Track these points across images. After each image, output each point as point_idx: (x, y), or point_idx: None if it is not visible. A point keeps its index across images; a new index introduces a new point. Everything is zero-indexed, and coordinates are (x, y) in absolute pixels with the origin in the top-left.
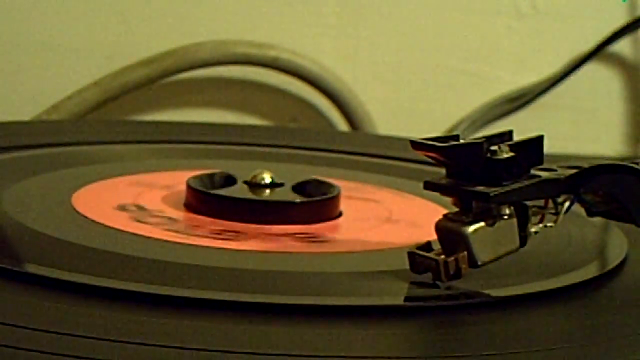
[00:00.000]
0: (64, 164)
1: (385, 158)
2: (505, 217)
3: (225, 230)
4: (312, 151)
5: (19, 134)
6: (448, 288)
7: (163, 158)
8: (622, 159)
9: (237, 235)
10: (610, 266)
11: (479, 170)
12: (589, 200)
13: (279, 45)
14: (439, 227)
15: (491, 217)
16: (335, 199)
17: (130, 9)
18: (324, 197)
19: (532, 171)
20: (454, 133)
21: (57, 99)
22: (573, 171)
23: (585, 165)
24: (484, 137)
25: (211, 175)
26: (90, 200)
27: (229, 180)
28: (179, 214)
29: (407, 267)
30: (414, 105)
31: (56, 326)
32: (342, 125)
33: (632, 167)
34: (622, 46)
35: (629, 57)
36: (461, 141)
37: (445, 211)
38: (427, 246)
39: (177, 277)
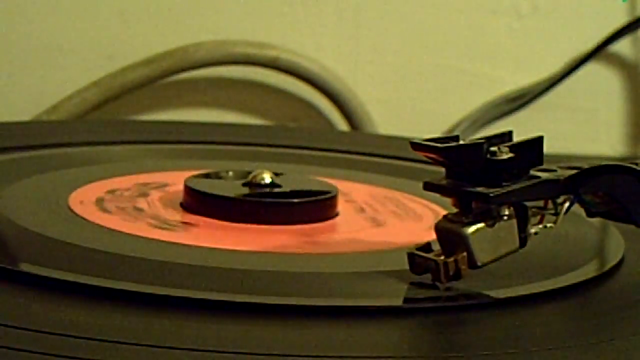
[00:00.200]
0: (63, 164)
1: (385, 158)
2: (505, 217)
3: (223, 231)
4: (312, 151)
5: (19, 134)
6: (448, 289)
7: (163, 158)
8: (622, 159)
9: (235, 235)
10: (608, 267)
11: (478, 171)
12: (589, 200)
13: (279, 45)
14: (438, 228)
15: (491, 217)
16: (333, 199)
17: (130, 9)
18: (322, 197)
19: (532, 172)
20: (454, 133)
21: (57, 99)
22: (573, 172)
23: (585, 165)
24: (483, 137)
25: (209, 175)
26: (87, 200)
27: (228, 180)
28: (177, 214)
29: (407, 267)
30: (414, 105)
31: (52, 326)
32: (342, 125)
33: (631, 168)
34: (622, 46)
35: (629, 57)
36: (461, 142)
37: (445, 212)
38: (426, 247)
39: (175, 278)
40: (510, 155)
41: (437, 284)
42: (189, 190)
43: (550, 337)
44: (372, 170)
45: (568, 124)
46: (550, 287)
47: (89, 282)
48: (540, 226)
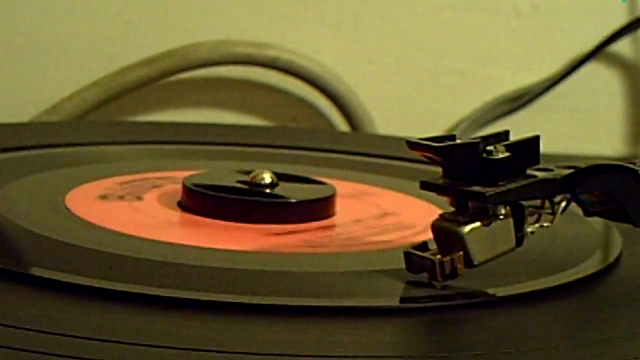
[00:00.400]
0: (61, 163)
1: (385, 158)
2: (501, 217)
3: (221, 230)
4: (312, 151)
5: (19, 134)
6: (444, 288)
7: (162, 158)
8: (622, 159)
9: (233, 235)
10: (605, 265)
11: (475, 170)
12: (586, 200)
13: (279, 45)
14: (435, 227)
15: (487, 217)
16: (331, 198)
17: (131, 9)
18: (321, 197)
19: (529, 171)
20: (453, 133)
21: (57, 99)
22: (569, 171)
23: (582, 165)
24: (480, 137)
25: (208, 175)
26: (86, 200)
27: (227, 180)
28: (175, 214)
29: (403, 266)
30: (414, 105)
31: (49, 326)
32: (342, 125)
33: (628, 167)
34: (622, 46)
35: (629, 57)
36: (457, 141)
37: (443, 211)
38: (423, 246)
39: (172, 278)
40: (507, 154)
41: (434, 283)
42: (187, 189)
43: (547, 336)
44: (372, 170)
45: (568, 124)
46: (547, 285)
47: (86, 283)
48: (537, 225)
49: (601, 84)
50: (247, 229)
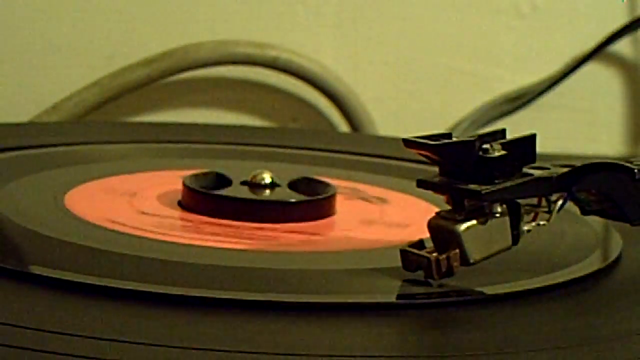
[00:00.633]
0: (61, 163)
1: (385, 158)
2: (498, 215)
3: (221, 229)
4: (312, 151)
5: (19, 134)
6: (440, 285)
7: (162, 158)
8: (621, 159)
9: (233, 234)
10: (605, 264)
11: (471, 168)
12: (583, 198)
13: (279, 45)
14: (431, 225)
15: (483, 215)
16: (331, 198)
17: (130, 9)
18: (320, 196)
19: (525, 169)
20: (450, 132)
21: (57, 99)
22: (566, 169)
23: (578, 163)
24: (476, 135)
25: (208, 175)
26: (84, 200)
27: (226, 180)
28: (175, 213)
29: (400, 265)
30: (414, 106)
31: (50, 325)
32: (343, 125)
33: (624, 166)
34: (622, 46)
35: (629, 57)
36: (453, 139)
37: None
38: (419, 244)
39: (173, 276)
40: (503, 152)
41: (430, 280)
42: (187, 189)
43: (544, 335)
44: (372, 170)
45: (568, 124)
46: (545, 284)
47: (86, 281)
48: (533, 224)
49: (601, 84)
50: (247, 227)
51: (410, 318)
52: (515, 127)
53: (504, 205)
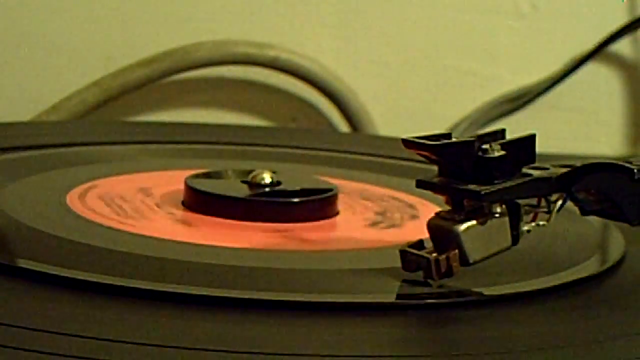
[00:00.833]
0: (62, 164)
1: (385, 158)
2: (497, 215)
3: (222, 229)
4: (312, 151)
5: (19, 134)
6: (440, 286)
7: (163, 158)
8: (621, 159)
9: (234, 233)
10: (608, 264)
11: (470, 168)
12: (582, 198)
13: (279, 45)
14: (430, 225)
15: (483, 215)
16: (332, 198)
17: (130, 9)
18: (322, 196)
19: (524, 170)
20: (449, 132)
21: (57, 99)
22: (565, 170)
23: (578, 164)
24: (476, 135)
25: (210, 174)
26: (87, 199)
27: (228, 180)
28: (177, 213)
29: (400, 265)
30: (414, 105)
31: (52, 323)
32: (342, 125)
33: (623, 166)
34: (622, 46)
35: (629, 57)
36: (453, 139)
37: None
38: (419, 244)
39: (174, 275)
40: (502, 153)
41: (429, 281)
42: (189, 189)
43: (545, 336)
44: (372, 170)
45: (568, 124)
46: (546, 285)
47: (89, 279)
48: (533, 224)
49: (601, 84)
50: (249, 227)
51: (410, 318)
52: (515, 127)
53: (504, 206)
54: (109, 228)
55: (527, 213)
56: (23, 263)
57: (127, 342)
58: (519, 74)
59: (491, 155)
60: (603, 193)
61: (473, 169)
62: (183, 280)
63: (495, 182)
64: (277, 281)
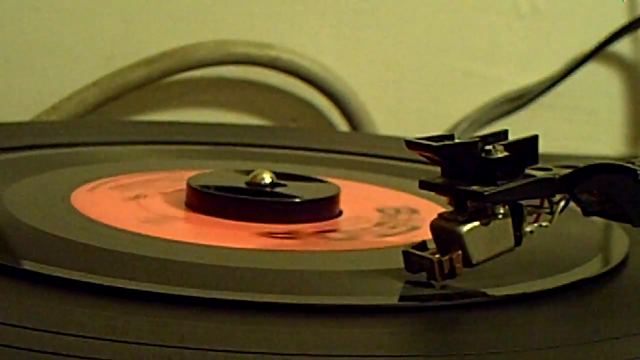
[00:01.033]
0: (63, 163)
1: (385, 158)
2: (500, 216)
3: (222, 230)
4: (312, 151)
5: (19, 134)
6: (443, 287)
7: (163, 158)
8: (622, 159)
9: (236, 234)
10: (612, 265)
11: (473, 169)
12: (584, 199)
13: (279, 45)
14: (433, 227)
15: (486, 216)
16: (334, 198)
17: (130, 9)
18: (324, 196)
19: (527, 171)
20: (452, 133)
21: (57, 99)
22: (568, 171)
23: (581, 165)
24: (479, 136)
25: (211, 174)
26: (89, 199)
27: (229, 180)
28: (179, 213)
29: (403, 266)
30: (414, 105)
31: (55, 324)
32: (342, 125)
33: (626, 167)
34: (622, 46)
35: (629, 57)
36: (456, 140)
37: (443, 211)
38: (422, 245)
39: (177, 276)
40: (505, 153)
41: (433, 282)
42: (190, 189)
43: (549, 337)
44: (372, 170)
45: (568, 124)
46: (550, 286)
47: (93, 280)
48: (536, 225)
49: (601, 84)
50: (251, 228)
51: (413, 320)
52: (515, 127)
53: (507, 207)
54: (111, 229)
55: (530, 214)
56: (24, 264)
57: (127, 343)
58: (519, 74)
59: (494, 156)
60: (606, 194)
61: (476, 170)
62: (185, 281)
63: (499, 183)
64: (278, 283)
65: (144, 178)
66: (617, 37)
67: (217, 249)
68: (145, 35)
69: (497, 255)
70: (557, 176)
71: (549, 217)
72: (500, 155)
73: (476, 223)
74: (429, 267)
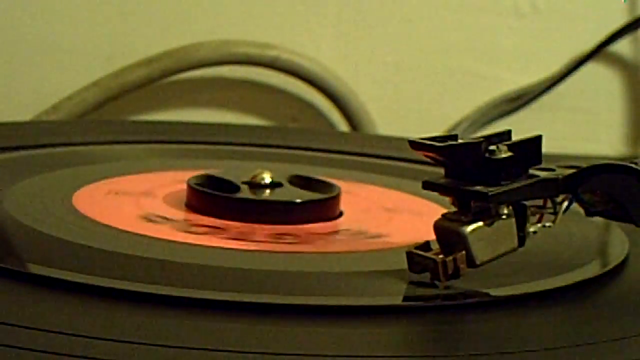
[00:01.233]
0: (64, 164)
1: (385, 158)
2: (504, 216)
3: (225, 230)
4: (312, 151)
5: (19, 134)
6: (446, 288)
7: (163, 158)
8: (622, 159)
9: (236, 235)
10: (611, 265)
11: (477, 170)
12: (588, 200)
13: (280, 45)
14: (437, 227)
15: (489, 216)
16: (335, 198)
17: (130, 9)
18: (324, 197)
19: (531, 171)
20: (453, 133)
21: (57, 99)
22: (571, 171)
23: (584, 165)
24: (482, 136)
25: (211, 176)
26: (90, 200)
27: (230, 180)
28: (180, 214)
29: (406, 267)
30: (414, 105)
31: (56, 326)
32: (342, 125)
33: (630, 167)
34: (622, 46)
35: (629, 57)
36: (459, 141)
37: (445, 211)
38: (425, 246)
39: (178, 277)
40: (509, 154)
41: (436, 283)
42: (190, 190)
43: (551, 337)
44: (372, 170)
45: (568, 124)
46: (552, 286)
47: (94, 282)
48: (539, 225)
49: (601, 84)
50: (248, 228)
51: (417, 320)
52: (515, 127)
53: (510, 207)
54: (111, 229)
55: (533, 214)
56: (24, 266)
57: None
58: (519, 74)
59: (498, 157)
60: (609, 194)
61: (480, 170)
62: (186, 282)
63: (502, 183)
64: (280, 284)
65: (144, 178)
66: (617, 37)
67: (217, 249)
68: (145, 35)
69: (500, 256)
70: (560, 176)
71: (552, 217)
72: (504, 155)
73: (480, 223)
74: (432, 267)
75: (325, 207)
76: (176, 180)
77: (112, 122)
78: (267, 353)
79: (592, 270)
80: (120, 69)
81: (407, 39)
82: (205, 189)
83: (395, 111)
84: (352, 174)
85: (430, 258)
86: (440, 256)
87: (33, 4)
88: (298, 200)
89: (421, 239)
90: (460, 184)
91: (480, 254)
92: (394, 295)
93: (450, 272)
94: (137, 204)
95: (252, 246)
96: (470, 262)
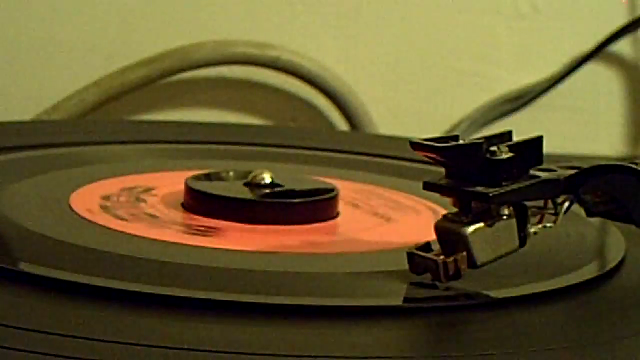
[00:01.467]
0: (63, 164)
1: (385, 158)
2: (505, 217)
3: (224, 231)
4: (312, 151)
5: (19, 134)
6: (447, 288)
7: (163, 158)
8: (622, 159)
9: (235, 235)
10: (609, 267)
11: (478, 170)
12: (588, 200)
13: (280, 45)
14: (438, 228)
15: (490, 217)
16: (333, 199)
17: (130, 9)
18: (323, 197)
19: (532, 171)
20: (454, 133)
21: (57, 99)
22: (572, 171)
23: (585, 165)
24: (483, 137)
25: (210, 175)
26: (88, 201)
27: (228, 180)
28: (178, 214)
29: (407, 267)
30: (414, 105)
31: (53, 326)
32: (342, 125)
33: (631, 168)
34: (622, 46)
35: (629, 57)
36: (460, 141)
37: (445, 212)
38: (426, 246)
39: (176, 277)
40: (510, 154)
41: (437, 283)
42: (188, 190)
43: (550, 337)
44: (372, 170)
45: (568, 124)
46: (551, 287)
47: (90, 282)
48: (540, 226)
49: (601, 84)
50: (248, 229)
51: (417, 321)
52: (515, 127)
53: (511, 208)
54: (109, 230)
55: (534, 215)
56: (23, 266)
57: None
58: (519, 74)
59: (499, 157)
60: (610, 194)
61: (481, 170)
62: (184, 283)
63: (503, 184)
64: (280, 284)
65: (143, 178)
66: (617, 37)
67: (216, 250)
68: (145, 35)
69: (501, 256)
70: (561, 177)
71: (553, 218)
72: (505, 156)
73: (481, 224)
74: (433, 268)
75: (323, 208)
76: (175, 180)
77: (112, 122)
78: (267, 354)
79: (590, 271)
80: (120, 69)
81: (407, 39)
82: (204, 189)
83: (395, 111)
84: (351, 174)
85: (431, 259)
86: (441, 257)
87: (33, 4)
88: (297, 201)
89: (422, 239)
90: (461, 184)
91: (481, 254)
92: (394, 295)
93: (451, 272)
94: (136, 205)
95: (251, 247)
96: (471, 262)
